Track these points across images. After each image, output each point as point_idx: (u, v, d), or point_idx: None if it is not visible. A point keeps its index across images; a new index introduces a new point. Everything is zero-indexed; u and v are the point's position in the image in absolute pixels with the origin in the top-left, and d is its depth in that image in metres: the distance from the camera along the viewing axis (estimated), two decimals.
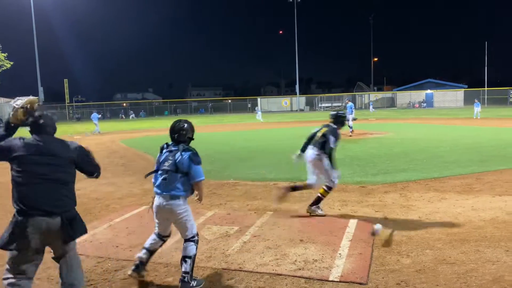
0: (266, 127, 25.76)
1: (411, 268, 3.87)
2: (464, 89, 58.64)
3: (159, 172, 3.70)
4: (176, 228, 3.77)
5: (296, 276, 3.76)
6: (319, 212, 5.68)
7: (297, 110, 58.20)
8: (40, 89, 49.98)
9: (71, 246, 3.08)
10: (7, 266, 2.96)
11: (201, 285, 3.68)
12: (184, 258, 3.61)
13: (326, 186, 5.69)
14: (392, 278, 3.66)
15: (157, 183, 3.70)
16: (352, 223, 5.28)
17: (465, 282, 3.53)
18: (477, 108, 27.70)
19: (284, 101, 62.73)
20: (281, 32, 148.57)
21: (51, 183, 2.97)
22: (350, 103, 19.28)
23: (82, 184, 8.75)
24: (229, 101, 68.88)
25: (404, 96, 60.37)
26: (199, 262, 4.14)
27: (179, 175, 3.62)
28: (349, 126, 17.29)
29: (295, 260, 4.12)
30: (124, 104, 70.68)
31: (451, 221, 5.26)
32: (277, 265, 4.02)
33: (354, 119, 17.92)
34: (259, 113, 36.86)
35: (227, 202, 6.67)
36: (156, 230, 3.83)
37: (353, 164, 9.91)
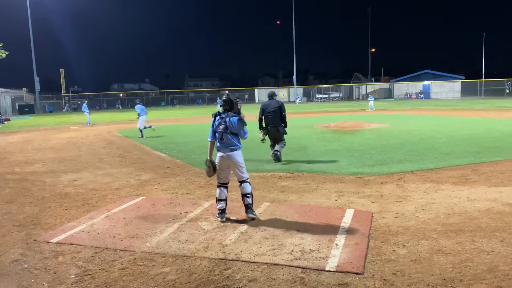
0: None
1: (407, 258, 3.90)
2: (461, 80, 58.65)
3: (216, 134, 5.08)
4: (234, 172, 5.16)
5: (292, 266, 3.78)
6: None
7: (294, 101, 58.09)
8: (36, 79, 49.69)
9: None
10: None
11: (256, 215, 5.15)
12: (246, 195, 5.12)
13: None
14: (388, 268, 3.69)
15: (217, 143, 5.12)
16: (349, 213, 5.31)
17: (460, 272, 3.57)
18: (371, 101, 31.69)
19: (282, 92, 62.55)
20: (278, 22, 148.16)
21: None
22: (138, 105, 16.28)
23: (79, 175, 8.75)
24: (226, 91, 68.50)
25: (401, 87, 60.36)
26: (196, 253, 4.17)
27: (230, 134, 5.02)
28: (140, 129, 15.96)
29: (292, 250, 4.14)
30: (121, 95, 70.30)
31: (447, 211, 5.29)
32: (274, 255, 4.04)
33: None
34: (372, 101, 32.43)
35: None
36: (219, 182, 5.21)
37: (349, 155, 9.94)
